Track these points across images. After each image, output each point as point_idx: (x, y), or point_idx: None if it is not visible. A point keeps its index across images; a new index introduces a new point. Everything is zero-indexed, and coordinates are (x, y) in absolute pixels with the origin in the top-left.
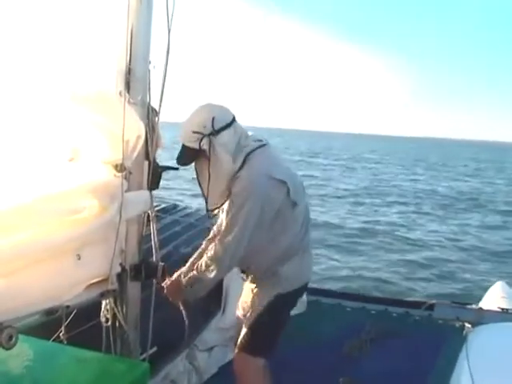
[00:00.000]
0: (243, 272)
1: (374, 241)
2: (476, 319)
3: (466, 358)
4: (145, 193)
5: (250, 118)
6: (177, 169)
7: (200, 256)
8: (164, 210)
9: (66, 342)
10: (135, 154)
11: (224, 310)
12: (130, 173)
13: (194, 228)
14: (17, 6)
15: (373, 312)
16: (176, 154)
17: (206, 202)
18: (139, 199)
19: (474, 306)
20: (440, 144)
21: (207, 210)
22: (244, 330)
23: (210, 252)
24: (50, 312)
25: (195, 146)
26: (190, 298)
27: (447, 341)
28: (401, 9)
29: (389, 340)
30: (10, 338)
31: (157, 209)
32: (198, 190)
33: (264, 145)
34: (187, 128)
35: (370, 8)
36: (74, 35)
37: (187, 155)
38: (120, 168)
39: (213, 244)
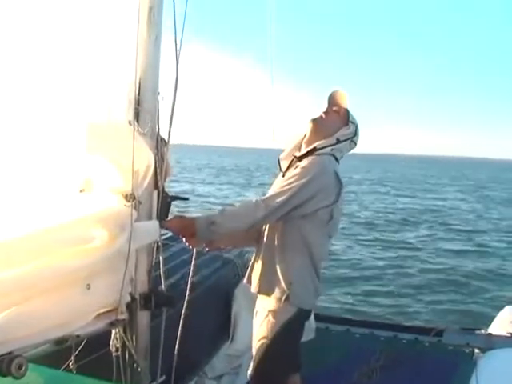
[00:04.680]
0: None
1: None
2: (486, 345)
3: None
4: (154, 223)
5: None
6: (186, 199)
7: None
8: (172, 238)
9: (75, 372)
10: (145, 184)
11: (233, 338)
12: (140, 202)
13: (203, 256)
14: (32, 35)
15: (382, 338)
16: None
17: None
18: (149, 229)
19: (483, 332)
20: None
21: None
22: (258, 354)
23: (252, 200)
24: (59, 341)
25: (347, 118)
26: (202, 233)
27: (457, 367)
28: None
29: (398, 367)
30: (20, 367)
31: (165, 237)
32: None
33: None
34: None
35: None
36: (87, 64)
37: (336, 98)
38: (130, 198)
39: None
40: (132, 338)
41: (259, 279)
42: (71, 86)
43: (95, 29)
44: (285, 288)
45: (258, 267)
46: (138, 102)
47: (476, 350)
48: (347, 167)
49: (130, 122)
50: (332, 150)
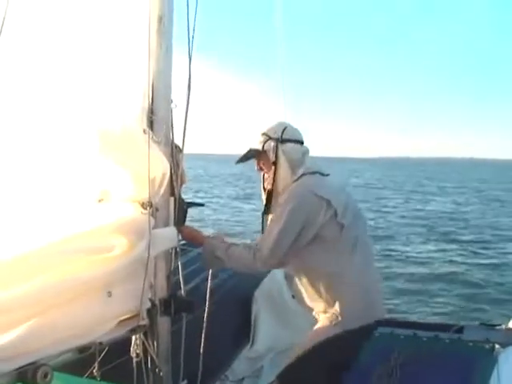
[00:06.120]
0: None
1: None
2: (506, 340)
3: (497, 379)
4: (172, 229)
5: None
6: (202, 205)
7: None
8: (190, 243)
9: (99, 379)
10: (161, 192)
11: (253, 341)
12: (157, 209)
13: None
14: (46, 46)
15: (401, 337)
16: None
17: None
18: (167, 235)
19: (503, 327)
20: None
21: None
22: (290, 360)
23: (251, 244)
24: (83, 349)
25: (258, 147)
26: (207, 261)
27: (478, 363)
28: None
29: (418, 365)
30: (46, 375)
31: (183, 242)
32: (226, 223)
33: (323, 174)
34: (258, 132)
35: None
36: (100, 74)
37: (246, 155)
38: (147, 205)
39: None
40: (153, 344)
41: (310, 302)
42: (84, 95)
43: (107, 39)
44: (337, 315)
45: (306, 293)
46: (151, 111)
47: (496, 346)
48: None
49: (144, 131)
50: (297, 174)
